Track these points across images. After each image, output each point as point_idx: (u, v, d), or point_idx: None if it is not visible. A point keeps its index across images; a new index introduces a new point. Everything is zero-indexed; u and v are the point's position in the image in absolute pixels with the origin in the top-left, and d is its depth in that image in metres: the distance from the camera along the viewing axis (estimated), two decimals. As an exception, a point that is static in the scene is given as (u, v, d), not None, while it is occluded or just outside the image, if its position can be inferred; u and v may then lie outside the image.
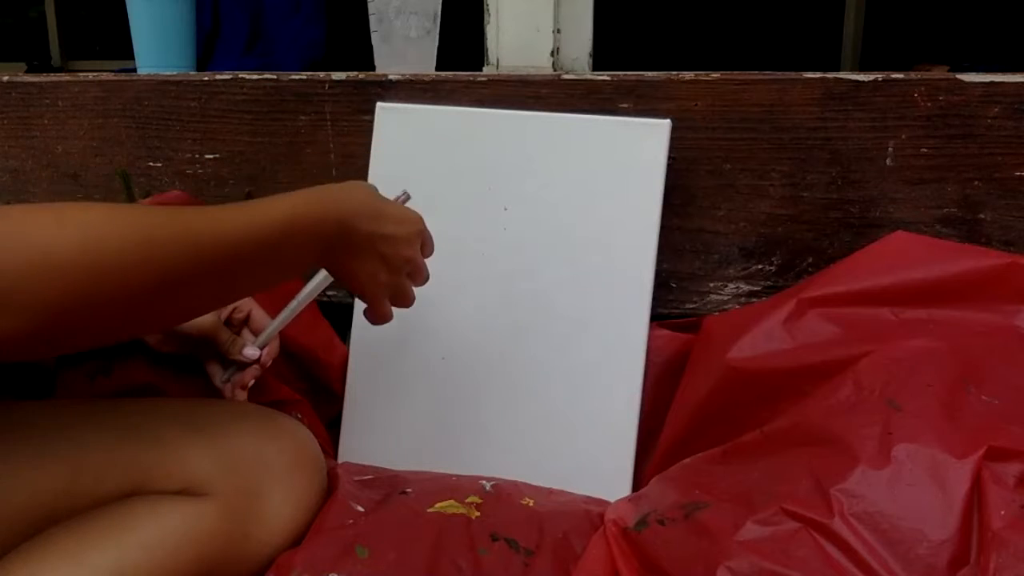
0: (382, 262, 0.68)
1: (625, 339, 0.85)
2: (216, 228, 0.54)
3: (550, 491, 0.82)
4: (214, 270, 0.54)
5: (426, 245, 0.74)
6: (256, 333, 0.79)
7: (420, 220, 0.72)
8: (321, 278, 0.74)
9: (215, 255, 0.54)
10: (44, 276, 0.46)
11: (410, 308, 0.73)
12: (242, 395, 0.78)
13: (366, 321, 0.72)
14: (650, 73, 0.90)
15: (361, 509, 0.73)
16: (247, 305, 0.80)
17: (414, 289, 0.73)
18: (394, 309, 0.72)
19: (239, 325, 0.80)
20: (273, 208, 0.58)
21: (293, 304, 0.76)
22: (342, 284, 0.69)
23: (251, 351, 0.77)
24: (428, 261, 0.74)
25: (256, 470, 0.67)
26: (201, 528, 0.63)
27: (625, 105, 0.90)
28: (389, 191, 0.90)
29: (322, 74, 0.97)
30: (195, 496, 0.65)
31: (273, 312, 0.79)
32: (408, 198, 0.77)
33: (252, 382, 0.79)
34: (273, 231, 0.57)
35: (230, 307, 0.79)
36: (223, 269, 0.55)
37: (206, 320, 0.75)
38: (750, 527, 0.61)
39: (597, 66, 1.04)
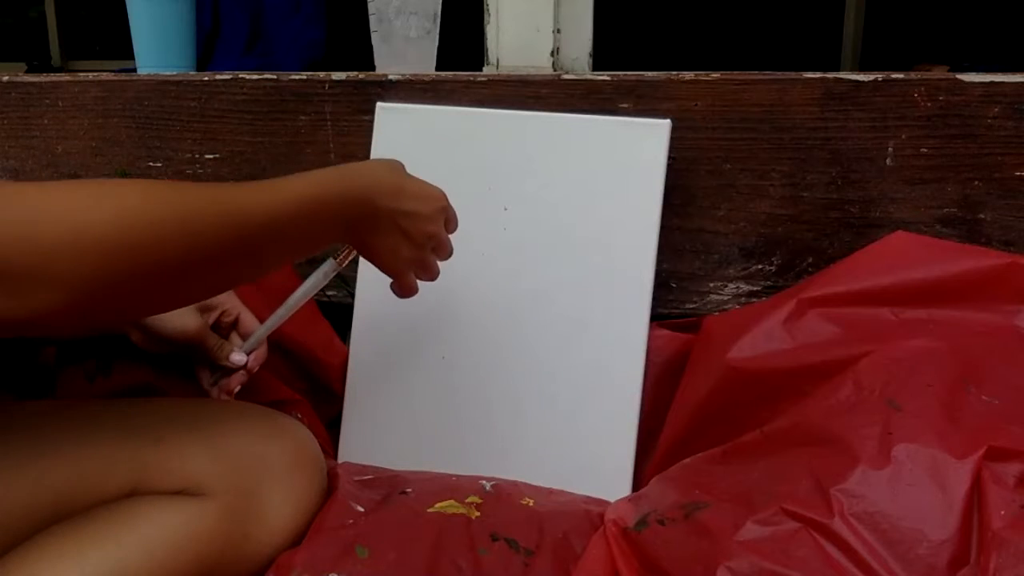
0: (404, 238, 0.68)
1: (625, 339, 0.85)
2: (245, 204, 0.55)
3: (550, 491, 0.82)
4: (243, 245, 0.56)
5: (450, 221, 0.74)
6: (244, 337, 0.79)
7: (443, 197, 0.72)
8: (309, 285, 0.74)
9: (244, 230, 0.55)
10: (80, 251, 0.46)
11: (410, 307, 0.73)
12: (228, 400, 0.78)
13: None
14: (650, 73, 0.90)
15: (361, 509, 0.73)
16: (235, 309, 0.80)
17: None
18: (400, 302, 0.73)
19: (227, 329, 0.80)
20: (299, 185, 0.60)
21: (281, 311, 0.76)
22: (366, 258, 0.70)
23: (238, 357, 0.77)
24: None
25: (256, 470, 0.67)
26: (201, 528, 0.63)
27: (625, 105, 0.90)
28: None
29: (322, 74, 0.97)
30: (195, 496, 0.65)
31: (262, 315, 0.79)
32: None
33: (239, 387, 0.78)
34: (300, 207, 0.59)
35: (218, 311, 0.79)
36: (251, 244, 0.56)
37: (191, 325, 0.75)
38: (750, 527, 0.61)
39: (597, 66, 1.04)
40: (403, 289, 0.73)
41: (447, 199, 0.73)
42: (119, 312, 0.53)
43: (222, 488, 0.65)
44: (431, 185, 0.72)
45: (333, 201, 0.62)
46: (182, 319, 0.74)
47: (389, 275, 0.71)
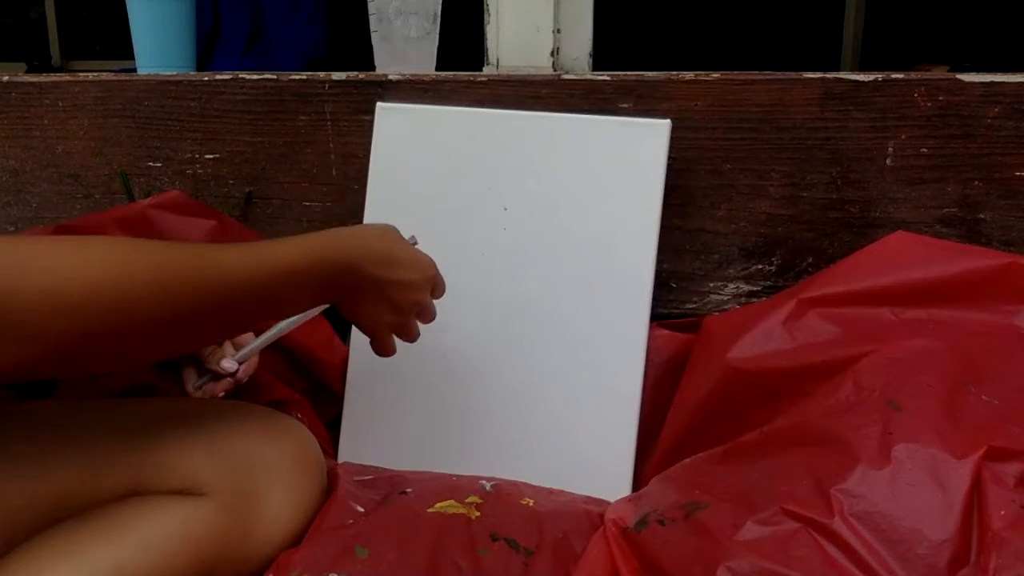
0: (389, 305, 0.69)
1: (625, 339, 0.85)
2: (228, 270, 0.56)
3: (550, 491, 0.82)
4: (223, 309, 0.56)
5: (437, 288, 0.75)
6: (238, 346, 0.78)
7: (432, 265, 0.73)
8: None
9: (225, 296, 0.56)
10: (54, 310, 0.47)
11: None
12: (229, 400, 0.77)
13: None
14: (650, 73, 0.90)
15: (361, 509, 0.73)
16: None
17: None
18: None
19: None
20: (283, 251, 0.60)
21: (282, 324, 0.75)
22: (346, 318, 0.70)
23: (229, 364, 0.76)
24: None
25: (256, 470, 0.67)
26: (201, 528, 0.63)
27: (625, 105, 0.90)
28: (388, 192, 0.91)
29: (322, 74, 0.97)
30: (195, 496, 0.64)
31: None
32: (415, 243, 0.77)
33: (222, 394, 0.78)
34: (285, 275, 0.60)
35: None
36: (232, 309, 0.57)
37: None
38: (750, 527, 0.61)
39: (597, 66, 1.04)
40: (382, 350, 0.73)
41: (436, 268, 0.73)
42: (93, 365, 0.54)
43: (222, 488, 0.65)
44: (422, 253, 0.73)
45: (320, 269, 0.62)
46: None
47: (368, 336, 0.72)
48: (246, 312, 0.60)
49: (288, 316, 0.66)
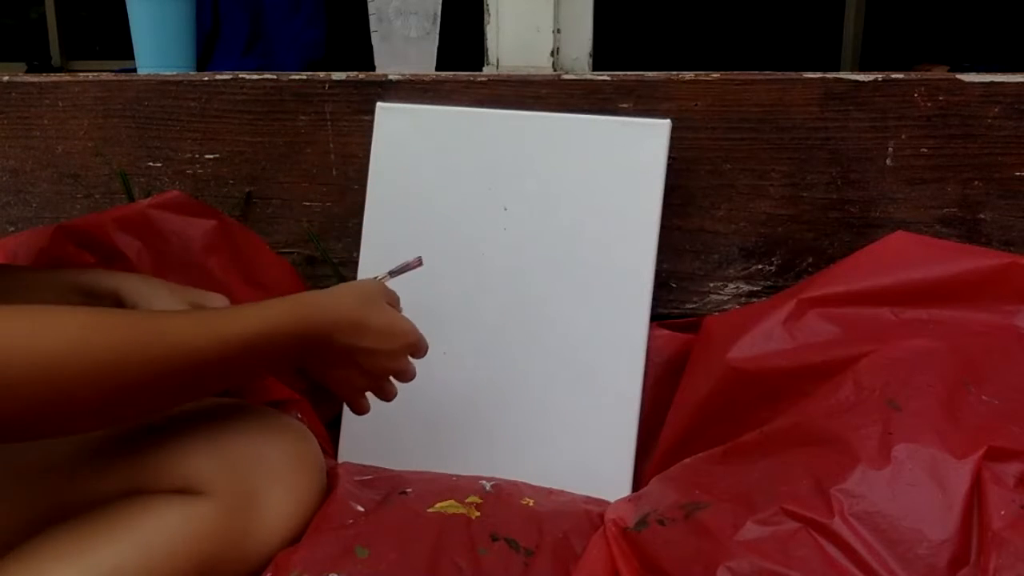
0: (359, 371, 0.69)
1: (625, 339, 0.85)
2: (192, 340, 0.55)
3: (550, 491, 0.82)
4: (187, 379, 0.56)
5: (417, 351, 0.72)
6: None
7: (410, 332, 0.70)
8: None
9: (189, 366, 0.55)
10: (5, 383, 0.47)
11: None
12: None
13: None
14: (650, 73, 0.90)
15: (361, 509, 0.73)
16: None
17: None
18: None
19: None
20: (251, 320, 0.59)
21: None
22: (317, 380, 0.69)
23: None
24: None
25: (256, 469, 0.67)
26: (200, 527, 0.63)
27: (625, 105, 0.90)
28: (388, 192, 0.91)
29: (322, 74, 0.97)
30: (194, 495, 0.64)
31: None
32: (419, 264, 0.76)
33: None
34: (250, 344, 0.59)
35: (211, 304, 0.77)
36: (196, 378, 0.57)
37: (178, 309, 0.73)
38: (750, 527, 0.61)
39: (597, 66, 1.04)
40: (356, 411, 0.73)
41: (416, 334, 0.71)
42: (46, 433, 0.54)
43: (222, 487, 0.65)
44: (402, 319, 0.70)
45: (286, 339, 0.62)
46: (169, 303, 0.73)
47: (341, 398, 0.71)
48: (212, 380, 0.60)
49: (256, 380, 0.65)
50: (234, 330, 0.58)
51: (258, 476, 0.67)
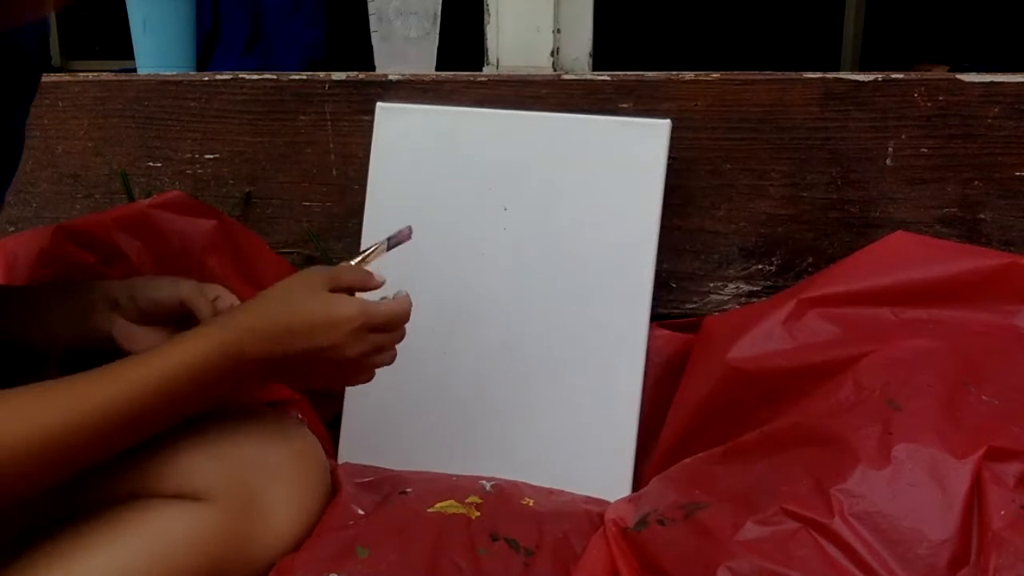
0: (319, 372, 0.66)
1: (625, 339, 0.85)
2: (104, 405, 0.57)
3: (550, 491, 0.82)
4: (129, 434, 0.59)
5: (385, 326, 0.66)
6: None
7: (352, 318, 0.63)
8: None
9: (108, 429, 0.57)
10: None
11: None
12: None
13: None
14: (650, 73, 0.90)
15: (361, 512, 0.73)
16: (228, 299, 0.76)
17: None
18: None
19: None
20: (163, 365, 0.60)
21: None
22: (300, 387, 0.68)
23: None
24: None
25: (259, 473, 0.67)
26: (202, 532, 0.63)
27: (625, 105, 0.90)
28: (388, 192, 0.91)
29: (322, 74, 0.97)
30: (197, 500, 0.64)
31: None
32: (408, 235, 0.72)
33: None
34: (166, 391, 0.59)
35: (213, 295, 0.75)
36: (123, 432, 0.59)
37: (183, 289, 0.72)
38: (750, 527, 0.61)
39: (597, 66, 1.04)
40: (357, 384, 0.69)
41: (359, 317, 0.63)
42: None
43: (225, 491, 0.65)
44: (338, 305, 0.64)
45: (209, 371, 0.61)
46: (173, 285, 0.73)
47: (334, 390, 0.70)
48: (145, 426, 0.61)
49: (211, 407, 0.65)
50: (149, 377, 0.59)
51: (261, 479, 0.67)
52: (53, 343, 0.74)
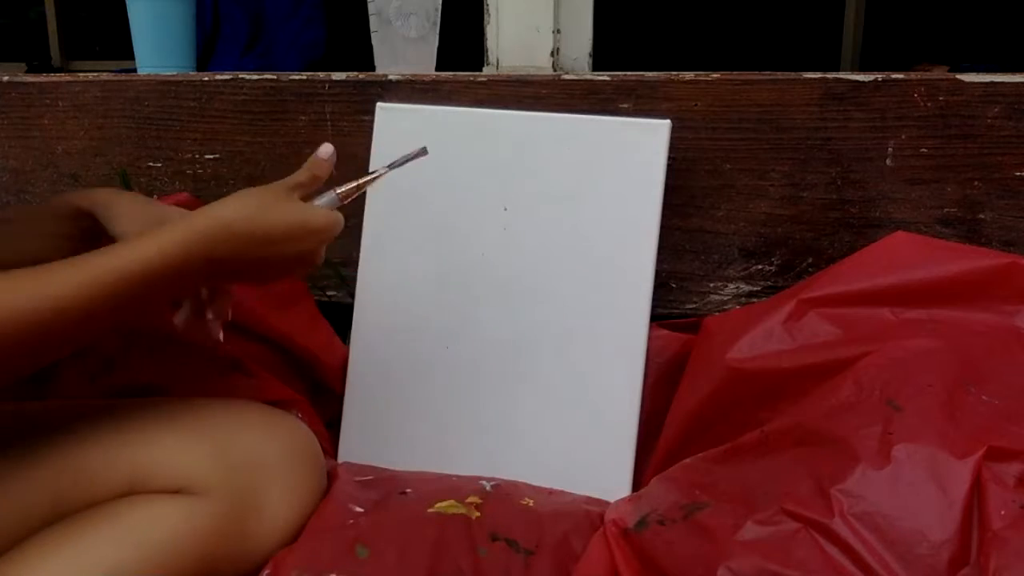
0: (294, 267, 0.66)
1: (625, 339, 0.85)
2: (66, 294, 0.56)
3: (550, 491, 0.82)
4: (107, 314, 0.58)
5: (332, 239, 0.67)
6: (216, 316, 0.74)
7: (328, 226, 0.66)
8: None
9: (67, 319, 0.56)
10: None
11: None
12: (218, 331, 0.74)
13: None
14: (650, 73, 0.90)
15: (360, 510, 0.73)
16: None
17: None
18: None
19: (207, 301, 0.74)
20: (131, 257, 0.58)
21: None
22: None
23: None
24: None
25: (255, 469, 0.67)
26: (199, 527, 0.63)
27: (625, 105, 0.90)
28: (390, 191, 0.90)
29: (322, 74, 0.97)
30: (193, 495, 0.64)
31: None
32: (424, 154, 0.73)
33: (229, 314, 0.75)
34: (127, 283, 0.58)
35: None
36: (83, 323, 0.57)
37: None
38: (750, 527, 0.61)
39: (597, 66, 1.04)
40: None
41: (331, 228, 0.66)
42: None
43: (221, 486, 0.65)
44: (313, 214, 0.65)
45: (176, 267, 0.60)
46: (136, 219, 0.71)
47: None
48: (107, 316, 0.59)
49: (166, 301, 0.64)
50: (113, 268, 0.57)
51: (257, 475, 0.67)
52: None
